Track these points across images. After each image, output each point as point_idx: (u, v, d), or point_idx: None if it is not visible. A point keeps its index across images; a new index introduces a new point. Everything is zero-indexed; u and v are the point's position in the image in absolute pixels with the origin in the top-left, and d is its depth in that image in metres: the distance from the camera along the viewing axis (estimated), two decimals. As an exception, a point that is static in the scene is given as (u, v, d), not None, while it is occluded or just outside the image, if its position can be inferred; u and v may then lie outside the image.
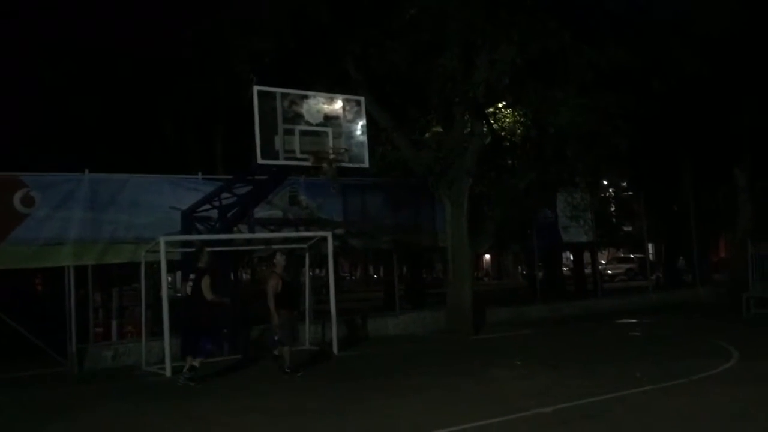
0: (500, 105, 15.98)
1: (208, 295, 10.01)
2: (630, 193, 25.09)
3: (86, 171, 12.72)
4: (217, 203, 12.74)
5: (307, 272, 14.20)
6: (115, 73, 19.14)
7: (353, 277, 51.05)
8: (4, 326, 11.92)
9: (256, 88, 10.97)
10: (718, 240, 30.73)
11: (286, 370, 10.32)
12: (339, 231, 14.83)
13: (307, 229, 14.22)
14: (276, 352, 10.69)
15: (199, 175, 14.17)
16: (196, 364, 10.04)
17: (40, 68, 19.31)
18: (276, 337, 10.55)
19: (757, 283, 16.84)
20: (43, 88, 19.68)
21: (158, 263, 11.35)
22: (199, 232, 12.96)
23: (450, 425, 6.79)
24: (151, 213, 13.13)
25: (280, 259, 10.72)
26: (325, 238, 12.87)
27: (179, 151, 20.62)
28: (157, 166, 15.50)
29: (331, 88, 12.65)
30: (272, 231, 14.27)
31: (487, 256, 46.68)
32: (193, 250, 11.28)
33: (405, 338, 14.69)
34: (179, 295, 13.55)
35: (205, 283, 10.05)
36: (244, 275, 18.60)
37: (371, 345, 13.79)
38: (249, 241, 13.73)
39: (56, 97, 19.61)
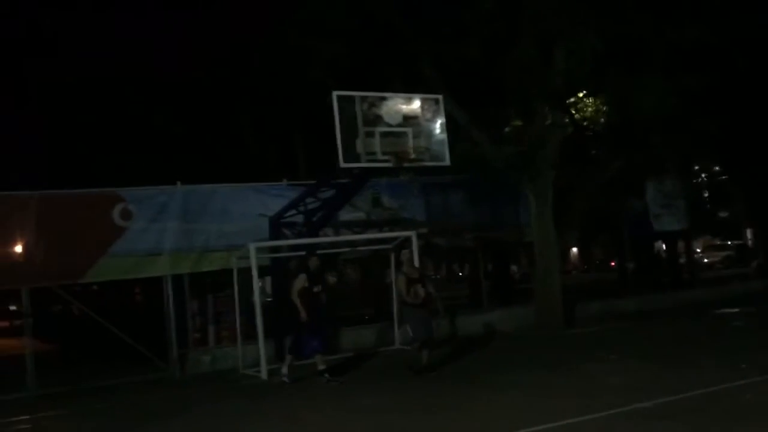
0: (581, 95, 15.62)
1: (293, 296, 10.20)
2: (724, 177, 24.00)
3: (178, 183, 13.25)
4: (302, 208, 13.01)
5: (393, 273, 14.27)
6: (192, 83, 19.80)
7: (437, 276, 50.95)
8: (108, 335, 12.58)
9: (335, 93, 11.12)
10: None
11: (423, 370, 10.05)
12: (422, 230, 14.84)
13: (390, 230, 14.32)
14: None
15: (284, 182, 14.51)
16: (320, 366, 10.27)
17: (121, 84, 20.16)
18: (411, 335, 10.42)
19: None
20: (123, 101, 20.45)
21: (249, 269, 11.68)
22: (287, 238, 13.27)
23: (548, 422, 6.70)
24: (240, 221, 13.52)
25: (407, 255, 10.64)
26: (409, 238, 12.93)
27: (260, 159, 21.14)
28: (240, 175, 15.95)
29: (407, 88, 12.68)
30: (357, 233, 14.43)
31: (575, 249, 45.65)
32: (283, 255, 11.51)
33: (494, 335, 14.56)
34: (269, 299, 13.92)
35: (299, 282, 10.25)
36: (331, 278, 18.87)
37: (460, 343, 13.74)
38: (335, 244, 13.93)
39: (138, 111, 20.38)
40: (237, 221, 13.50)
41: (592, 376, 9.30)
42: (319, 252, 11.71)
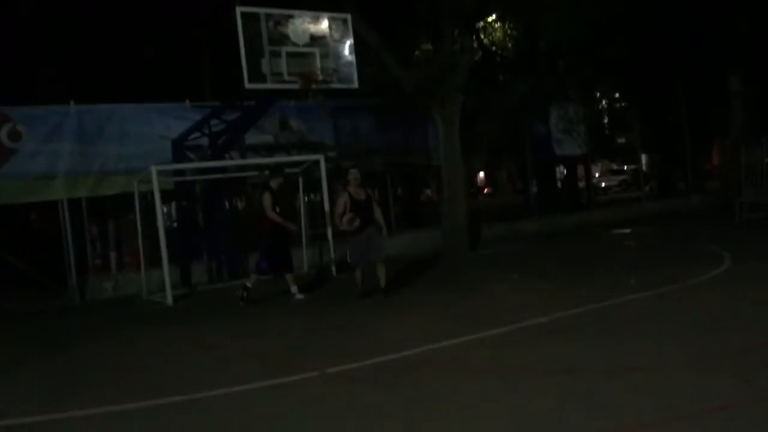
0: (490, 19, 15.65)
1: (268, 212, 9.92)
2: (623, 104, 24.88)
3: (71, 103, 12.52)
4: (206, 131, 12.64)
5: (301, 197, 14.19)
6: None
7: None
8: (2, 262, 12.02)
9: (238, 9, 10.68)
10: (710, 148, 30.70)
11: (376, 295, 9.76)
12: (331, 154, 14.74)
13: (298, 154, 14.14)
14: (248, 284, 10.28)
15: (187, 103, 13.96)
16: (248, 283, 10.16)
17: None
18: (349, 260, 10.11)
19: (749, 188, 16.93)
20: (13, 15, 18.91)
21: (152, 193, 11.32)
22: (191, 161, 12.90)
23: (450, 338, 6.93)
24: (141, 143, 13.03)
25: (354, 174, 9.74)
26: (317, 162, 12.82)
27: (165, 78, 20.17)
28: (143, 94, 15.20)
29: (317, 5, 12.29)
30: (264, 157, 14.17)
31: (481, 174, 46.64)
32: (187, 179, 11.21)
33: (402, 258, 14.83)
34: (174, 224, 13.63)
35: (267, 200, 9.97)
36: (239, 203, 18.58)
37: (368, 266, 13.92)
38: (241, 168, 13.65)
39: (30, 24, 18.93)
40: (137, 143, 13.01)
41: (494, 294, 9.68)
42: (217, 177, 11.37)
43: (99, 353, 8.05)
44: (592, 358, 5.91)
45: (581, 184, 24.55)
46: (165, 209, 13.14)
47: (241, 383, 5.98)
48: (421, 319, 8.24)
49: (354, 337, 7.64)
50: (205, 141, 12.79)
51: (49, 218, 14.40)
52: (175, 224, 15.26)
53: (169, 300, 11.02)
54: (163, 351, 7.82)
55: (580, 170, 23.90)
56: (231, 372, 6.53)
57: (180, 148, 12.84)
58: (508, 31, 15.62)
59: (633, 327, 6.89)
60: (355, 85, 11.94)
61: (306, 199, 15.25)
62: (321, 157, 12.81)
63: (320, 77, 11.27)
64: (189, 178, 13.14)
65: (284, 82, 11.02)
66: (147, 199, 12.46)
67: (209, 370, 6.75)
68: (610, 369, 5.52)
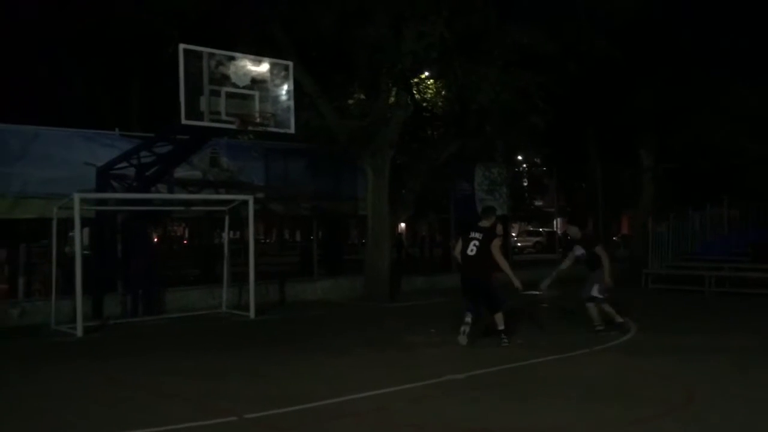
0: (423, 76, 16.17)
1: (498, 256, 9.43)
2: (543, 168, 26.00)
3: (-6, 121, 12.14)
4: (135, 161, 12.44)
5: (226, 235, 14.10)
6: (23, 15, 18.04)
7: (268, 241, 50.69)
8: None
9: (182, 47, 10.69)
10: (620, 217, 32.34)
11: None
12: (260, 195, 14.75)
13: (227, 192, 14.09)
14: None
15: (116, 131, 13.73)
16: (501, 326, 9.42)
17: None
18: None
19: (654, 260, 17.94)
20: None
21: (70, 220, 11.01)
22: (115, 190, 12.64)
23: (365, 390, 7.00)
24: (65, 168, 12.68)
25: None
26: (246, 202, 12.81)
27: (92, 106, 19.77)
28: (68, 120, 14.86)
29: (256, 50, 12.46)
30: (192, 192, 14.04)
31: (403, 225, 47.22)
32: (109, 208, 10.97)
33: (322, 304, 14.88)
34: (86, 252, 13.20)
35: (496, 244, 9.53)
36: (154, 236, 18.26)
37: (288, 310, 13.90)
38: (168, 202, 13.46)
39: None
40: (61, 168, 12.65)
41: (411, 347, 9.82)
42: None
43: None
44: (507, 418, 6.13)
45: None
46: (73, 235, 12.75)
47: (153, 425, 5.84)
48: (336, 370, 8.26)
49: (272, 382, 7.61)
50: (131, 171, 12.57)
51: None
52: (90, 253, 14.80)
53: (80, 331, 10.65)
54: (69, 387, 7.53)
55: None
56: (144, 412, 6.38)
57: (105, 176, 12.56)
58: (442, 92, 16.16)
59: (540, 390, 7.14)
60: (292, 130, 12.09)
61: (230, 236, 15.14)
62: (250, 198, 12.81)
63: (258, 120, 11.37)
64: (112, 207, 12.84)
65: (221, 121, 11.04)
66: (64, 225, 12.12)
67: (119, 409, 6.54)
68: (524, 428, 5.75)
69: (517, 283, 9.41)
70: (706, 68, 18.81)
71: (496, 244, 9.49)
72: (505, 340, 9.36)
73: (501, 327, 9.40)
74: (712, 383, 7.36)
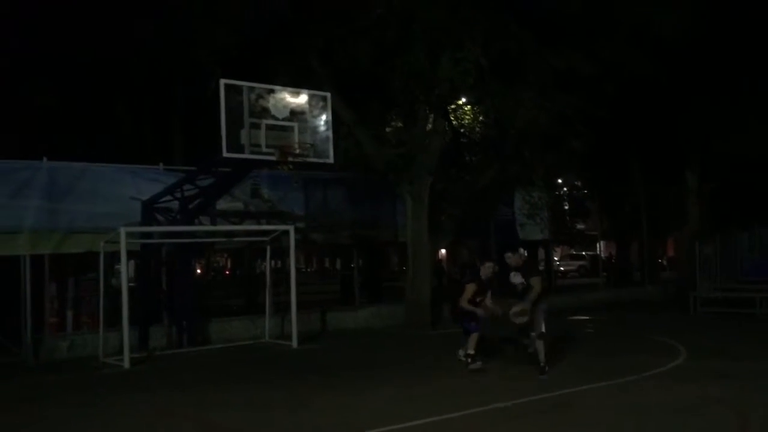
0: (461, 102, 16.21)
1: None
2: (585, 191, 25.67)
3: (44, 159, 12.51)
4: (178, 194, 12.67)
5: (268, 265, 14.22)
6: (73, 57, 18.68)
7: (308, 270, 50.96)
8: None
9: (223, 82, 10.93)
10: (666, 240, 31.66)
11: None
12: (300, 224, 14.88)
13: (268, 222, 14.24)
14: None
15: (161, 166, 14.05)
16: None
17: None
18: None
19: (703, 282, 17.48)
20: None
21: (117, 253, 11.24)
22: (159, 223, 12.89)
23: (410, 419, 6.93)
24: (111, 203, 12.97)
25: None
26: (287, 232, 12.93)
27: (136, 141, 20.28)
28: (114, 155, 15.25)
29: (295, 82, 12.68)
30: (234, 223, 14.24)
31: (443, 251, 47.05)
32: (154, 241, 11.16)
33: (364, 332, 14.85)
34: (131, 284, 13.45)
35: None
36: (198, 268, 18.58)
37: (331, 339, 13.90)
38: (211, 233, 13.67)
39: (8, 80, 19.04)
40: (107, 203, 12.95)
41: (453, 375, 9.69)
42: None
43: (43, 419, 7.78)
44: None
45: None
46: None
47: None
48: (381, 400, 8.18)
49: (318, 413, 7.59)
50: (175, 204, 12.82)
51: (10, 273, 14.14)
52: (136, 286, 15.07)
53: (126, 363, 10.82)
54: (118, 419, 7.61)
55: (541, 254, 24.35)
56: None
57: (149, 210, 12.83)
58: (479, 117, 16.18)
59: (591, 417, 6.99)
60: (331, 160, 12.21)
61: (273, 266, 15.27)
62: (291, 228, 12.92)
63: (297, 151, 11.52)
64: (156, 240, 13.08)
65: (262, 153, 11.22)
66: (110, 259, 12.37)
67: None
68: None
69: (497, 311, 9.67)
70: (754, 83, 18.41)
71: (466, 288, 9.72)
72: (473, 365, 9.49)
73: (471, 351, 9.58)
74: (766, 409, 7.11)
